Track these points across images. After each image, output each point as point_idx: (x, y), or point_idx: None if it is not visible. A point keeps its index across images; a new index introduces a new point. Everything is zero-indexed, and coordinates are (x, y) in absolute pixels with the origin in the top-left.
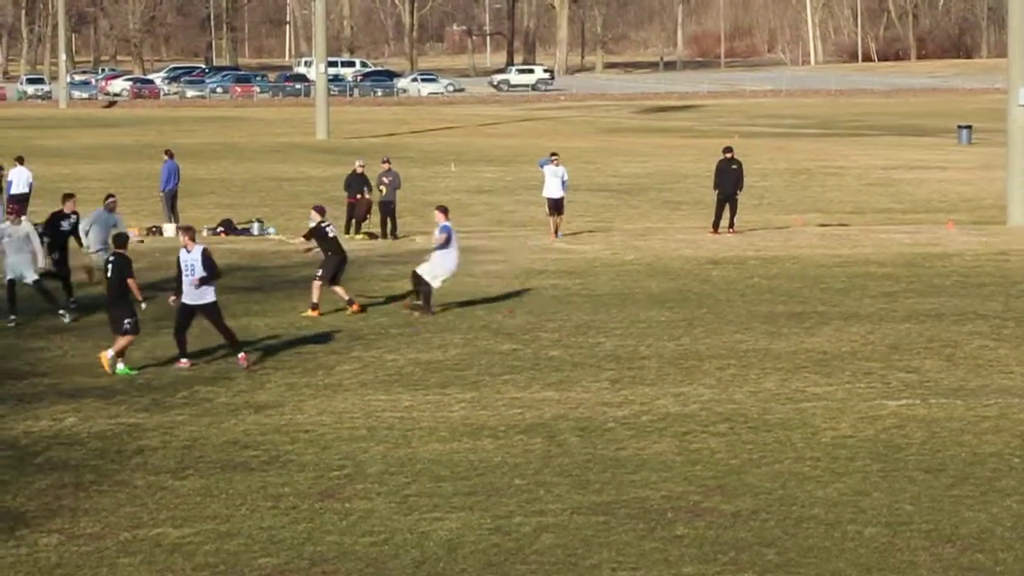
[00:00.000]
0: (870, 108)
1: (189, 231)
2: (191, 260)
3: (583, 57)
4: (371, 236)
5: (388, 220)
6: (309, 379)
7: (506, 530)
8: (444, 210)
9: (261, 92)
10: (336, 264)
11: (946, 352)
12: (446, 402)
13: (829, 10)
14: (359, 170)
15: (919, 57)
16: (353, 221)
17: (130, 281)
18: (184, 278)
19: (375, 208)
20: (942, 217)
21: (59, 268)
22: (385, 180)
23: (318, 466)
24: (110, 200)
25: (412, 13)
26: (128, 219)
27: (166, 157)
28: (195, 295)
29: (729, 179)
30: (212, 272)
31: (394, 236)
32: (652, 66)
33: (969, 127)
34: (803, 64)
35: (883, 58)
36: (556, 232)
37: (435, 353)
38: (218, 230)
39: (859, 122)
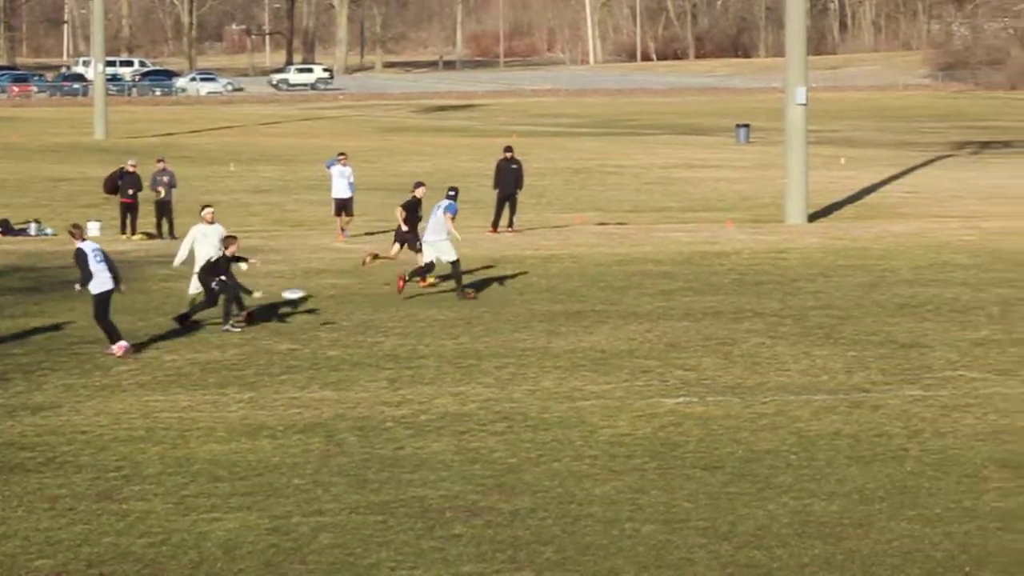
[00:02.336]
0: (649, 107)
1: None
2: None
3: (363, 56)
4: (149, 236)
5: (164, 220)
6: (86, 380)
7: (284, 530)
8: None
9: (39, 92)
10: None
11: (723, 350)
12: (224, 402)
13: (608, 10)
14: (130, 169)
15: (698, 56)
16: (128, 220)
17: None
18: None
19: (151, 208)
20: (720, 216)
21: None
22: (163, 180)
23: (95, 467)
24: None
25: (191, 12)
26: None
27: None
28: None
29: (509, 178)
30: None
31: (172, 236)
32: (432, 65)
33: (747, 126)
34: (582, 64)
35: (662, 57)
36: (343, 231)
37: (213, 353)
38: None
39: (638, 121)
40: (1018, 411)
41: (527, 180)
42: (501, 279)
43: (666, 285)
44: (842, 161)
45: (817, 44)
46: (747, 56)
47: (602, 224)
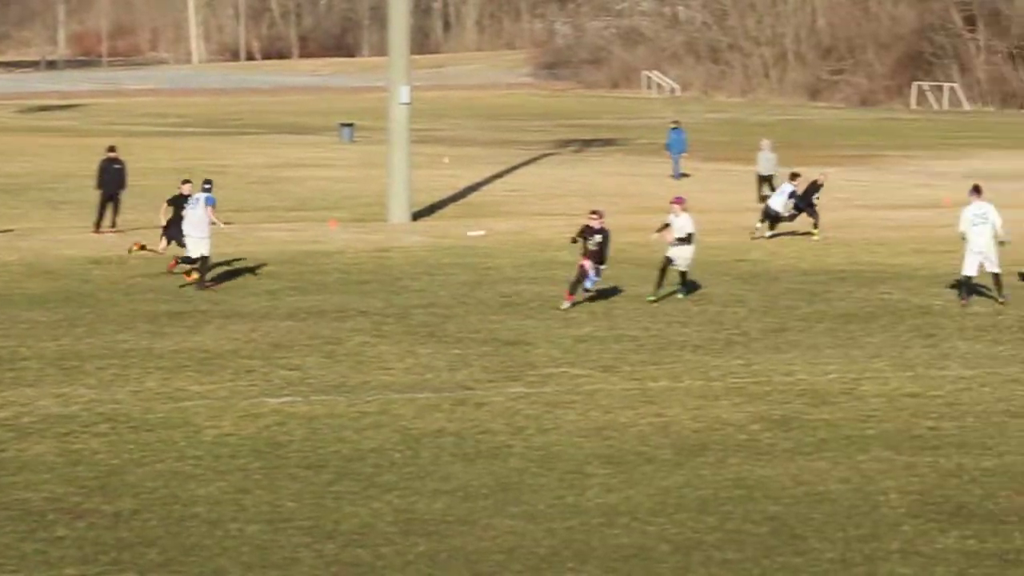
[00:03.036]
0: (254, 107)
1: None
2: None
3: None
4: None
5: None
6: None
7: None
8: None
9: None
10: None
11: (327, 349)
12: None
13: (212, 9)
14: None
15: (302, 56)
16: None
17: None
18: None
19: None
20: (324, 215)
21: None
22: None
23: None
24: None
25: None
26: None
27: None
28: None
29: (112, 178)
30: None
31: None
32: (34, 65)
33: (351, 125)
34: (186, 63)
35: (267, 57)
36: None
37: None
38: None
39: (243, 121)
40: (620, 407)
41: (130, 180)
42: (109, 279)
43: (270, 285)
44: (446, 160)
45: (421, 43)
46: (352, 55)
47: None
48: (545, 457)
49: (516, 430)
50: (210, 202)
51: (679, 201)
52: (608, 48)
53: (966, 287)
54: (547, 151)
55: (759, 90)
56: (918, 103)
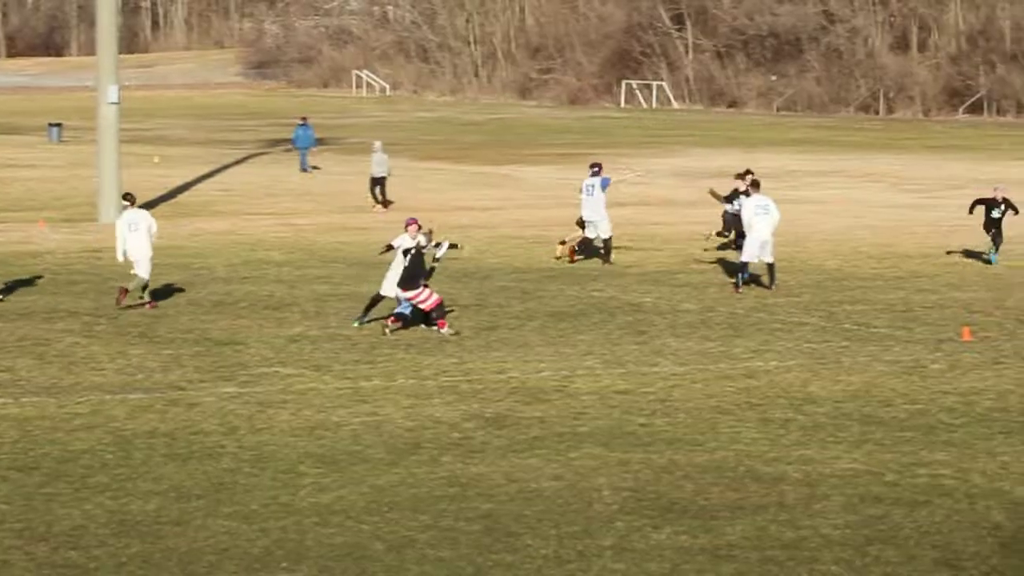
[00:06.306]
0: None
1: None
2: None
3: None
4: None
5: None
6: None
7: None
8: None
9: None
10: None
11: (38, 350)
12: None
13: None
14: None
15: (10, 55)
16: None
17: None
18: None
19: None
20: (34, 215)
21: None
22: None
23: None
24: None
25: None
26: None
27: None
28: None
29: None
30: None
31: None
32: None
33: (59, 125)
34: None
35: None
36: None
37: None
38: None
39: None
40: (333, 406)
41: None
42: None
43: None
44: (156, 159)
45: (130, 42)
46: (60, 54)
47: None
48: (258, 457)
49: (229, 430)
50: None
51: (413, 222)
52: (318, 47)
53: (742, 273)
54: (258, 150)
55: (469, 89)
56: (627, 101)
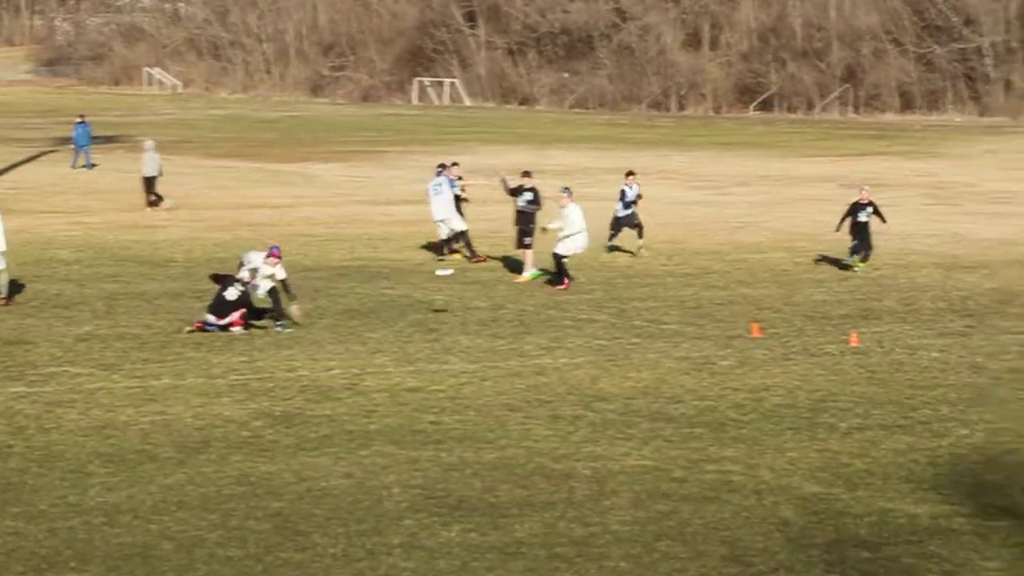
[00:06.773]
0: None
1: None
2: None
3: None
4: None
5: None
6: None
7: None
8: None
9: None
10: None
11: None
12: None
13: None
14: None
15: None
16: None
17: None
18: None
19: None
20: None
21: None
22: None
23: None
24: None
25: None
26: None
27: None
28: None
29: None
30: None
31: None
32: None
33: None
34: None
35: None
36: None
37: None
38: None
39: None
40: (122, 405)
41: None
42: None
43: None
44: None
45: None
46: None
47: None
48: (46, 457)
49: (16, 430)
50: None
51: (274, 254)
52: (109, 44)
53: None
54: (47, 148)
55: (261, 86)
56: (420, 99)
